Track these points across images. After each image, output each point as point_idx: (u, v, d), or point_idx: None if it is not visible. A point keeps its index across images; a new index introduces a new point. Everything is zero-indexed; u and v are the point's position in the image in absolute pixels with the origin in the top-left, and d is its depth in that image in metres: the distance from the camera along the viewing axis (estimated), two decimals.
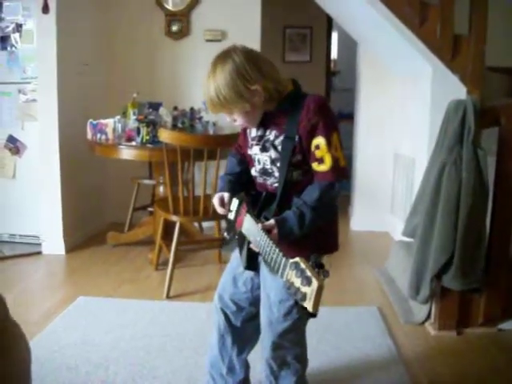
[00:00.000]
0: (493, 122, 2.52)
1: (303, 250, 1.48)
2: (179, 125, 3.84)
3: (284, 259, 1.29)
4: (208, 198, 2.94)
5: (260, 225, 1.47)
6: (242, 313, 1.86)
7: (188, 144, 2.94)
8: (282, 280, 1.30)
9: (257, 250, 1.49)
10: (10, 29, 3.70)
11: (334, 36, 7.39)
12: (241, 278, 1.83)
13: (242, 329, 1.88)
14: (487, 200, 2.47)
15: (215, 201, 1.74)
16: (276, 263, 1.33)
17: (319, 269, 1.21)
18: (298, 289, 1.21)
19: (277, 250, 1.34)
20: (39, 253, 3.83)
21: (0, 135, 3.84)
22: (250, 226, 1.54)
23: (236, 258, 1.84)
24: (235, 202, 1.71)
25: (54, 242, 3.83)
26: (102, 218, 4.54)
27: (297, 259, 1.24)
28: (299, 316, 1.67)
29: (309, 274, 1.19)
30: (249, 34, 4.30)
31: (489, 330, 2.65)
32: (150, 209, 4.22)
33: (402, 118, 4.17)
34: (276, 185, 1.63)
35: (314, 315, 1.21)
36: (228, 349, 1.90)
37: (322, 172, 1.54)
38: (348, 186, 5.12)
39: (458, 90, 2.76)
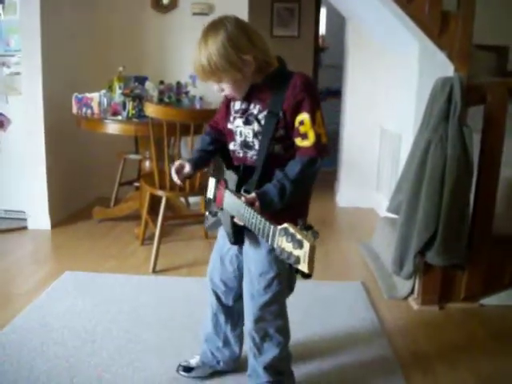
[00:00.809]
0: (479, 99, 2.54)
1: (283, 220, 1.51)
2: (165, 99, 3.81)
3: (272, 227, 1.32)
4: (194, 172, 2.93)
5: (243, 198, 1.49)
6: (231, 292, 1.90)
7: (174, 118, 2.92)
8: (264, 252, 1.39)
9: (241, 223, 1.51)
10: None
11: (323, 11, 7.33)
12: (227, 257, 1.86)
13: (233, 307, 1.93)
14: (471, 177, 2.50)
15: (173, 167, 1.78)
16: (265, 233, 1.35)
17: (308, 230, 1.25)
18: (291, 253, 1.24)
19: (263, 219, 1.37)
20: (25, 228, 3.81)
21: None
22: (231, 202, 1.57)
23: (221, 237, 1.87)
24: (212, 181, 1.74)
25: (39, 217, 3.81)
26: (87, 192, 4.51)
27: (285, 225, 1.27)
28: (279, 288, 1.72)
29: (299, 237, 1.22)
30: (236, 8, 4.23)
31: (470, 305, 2.70)
32: (136, 184, 4.20)
33: (389, 95, 4.17)
34: (255, 157, 1.65)
35: (309, 276, 1.24)
36: (222, 326, 1.96)
37: (304, 147, 1.57)
38: (334, 162, 5.14)
39: (445, 68, 2.76)
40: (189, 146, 3.02)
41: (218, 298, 1.93)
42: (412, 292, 2.77)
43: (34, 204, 3.81)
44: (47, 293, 2.75)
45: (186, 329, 2.40)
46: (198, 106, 3.85)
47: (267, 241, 1.34)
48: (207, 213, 1.85)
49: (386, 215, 3.31)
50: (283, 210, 1.57)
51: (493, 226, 2.62)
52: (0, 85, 3.73)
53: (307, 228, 1.26)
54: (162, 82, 3.92)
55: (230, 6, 4.22)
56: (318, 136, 1.56)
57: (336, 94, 6.47)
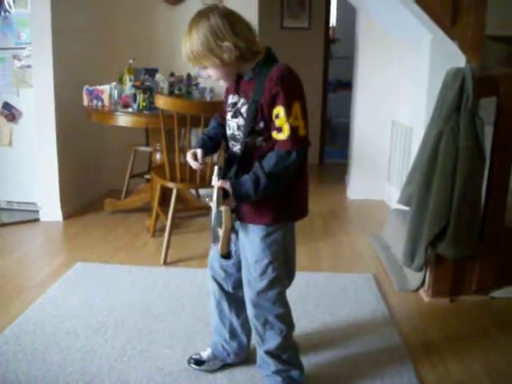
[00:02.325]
0: (491, 90, 2.51)
1: (264, 215, 1.70)
2: (176, 91, 3.81)
3: (218, 209, 1.56)
4: (205, 164, 2.94)
5: (219, 182, 1.61)
6: (231, 279, 1.92)
7: (185, 110, 2.92)
8: (257, 240, 1.58)
9: (214, 208, 1.65)
10: None
11: (333, 3, 7.28)
12: None
13: (234, 294, 1.94)
14: (483, 169, 2.48)
15: (188, 156, 1.80)
16: (218, 216, 1.60)
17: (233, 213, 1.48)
18: (218, 234, 1.50)
19: (218, 202, 1.57)
20: (37, 220, 3.84)
21: None
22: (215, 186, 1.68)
23: None
24: (216, 169, 1.75)
25: (51, 209, 3.84)
26: (98, 185, 4.54)
27: (222, 208, 1.55)
28: (275, 275, 1.76)
29: (222, 218, 1.48)
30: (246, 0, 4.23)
31: (481, 298, 2.69)
32: (146, 176, 4.22)
33: (400, 86, 4.15)
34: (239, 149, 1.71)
35: (223, 257, 1.57)
36: (226, 314, 1.97)
37: (280, 140, 1.61)
38: (345, 154, 5.12)
39: (456, 58, 2.74)
40: None
41: (220, 285, 1.95)
42: (423, 284, 2.76)
43: (46, 196, 3.84)
44: (59, 284, 2.77)
45: (196, 320, 2.41)
46: (208, 98, 3.86)
47: (219, 224, 1.60)
48: (207, 199, 1.90)
49: (396, 207, 3.30)
50: (268, 203, 1.67)
51: (505, 218, 2.61)
52: (11, 78, 3.75)
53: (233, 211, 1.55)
54: (172, 74, 3.92)
55: None
56: (293, 129, 1.58)
57: (347, 85, 6.44)
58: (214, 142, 1.87)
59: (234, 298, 1.95)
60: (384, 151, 4.52)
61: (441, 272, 2.65)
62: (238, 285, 1.90)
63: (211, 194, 1.69)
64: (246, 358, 2.07)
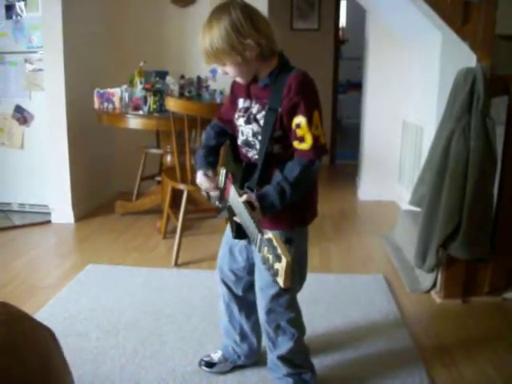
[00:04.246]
0: (502, 90, 2.50)
1: (280, 221, 1.64)
2: (186, 93, 3.82)
3: (260, 236, 1.32)
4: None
5: (244, 197, 1.50)
6: (241, 282, 1.91)
7: (195, 112, 2.93)
8: (260, 255, 1.35)
9: (239, 221, 1.54)
10: None
11: (343, 4, 7.27)
12: (236, 248, 1.87)
13: (244, 297, 1.94)
14: (495, 169, 2.46)
15: (201, 180, 1.76)
16: (254, 238, 1.37)
17: (289, 244, 1.26)
18: (272, 265, 1.26)
19: (254, 224, 1.37)
20: (48, 222, 3.87)
21: (7, 105, 3.84)
22: (234, 198, 1.57)
23: (229, 228, 1.87)
24: (223, 171, 1.73)
25: (63, 211, 3.87)
26: (110, 187, 4.56)
27: (269, 235, 1.28)
28: None
29: (279, 251, 1.23)
30: (256, 1, 4.22)
31: (494, 299, 2.67)
32: (157, 178, 4.24)
33: (410, 87, 4.13)
34: (257, 157, 1.66)
35: (286, 289, 1.27)
36: (236, 316, 1.97)
37: (302, 150, 1.57)
38: (356, 155, 5.11)
39: (467, 58, 2.72)
40: None
41: (229, 288, 1.94)
42: (434, 285, 2.75)
43: (58, 198, 3.87)
44: (70, 286, 2.78)
45: (207, 321, 2.41)
46: (218, 100, 3.86)
47: (255, 247, 1.36)
48: (217, 202, 1.84)
49: (407, 208, 3.28)
50: (285, 210, 1.59)
51: None
52: (23, 81, 3.79)
53: (288, 241, 1.27)
54: (182, 77, 3.93)
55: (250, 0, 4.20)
56: (315, 138, 1.55)
57: (357, 86, 6.43)
58: (214, 155, 1.83)
59: (243, 301, 1.94)
60: (395, 152, 4.51)
61: (453, 273, 2.63)
62: (249, 288, 1.90)
63: (217, 196, 1.66)
64: (256, 359, 2.06)
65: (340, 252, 3.34)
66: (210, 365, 2.04)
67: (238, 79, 1.66)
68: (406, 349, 2.22)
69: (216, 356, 2.06)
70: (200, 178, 1.77)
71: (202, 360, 2.06)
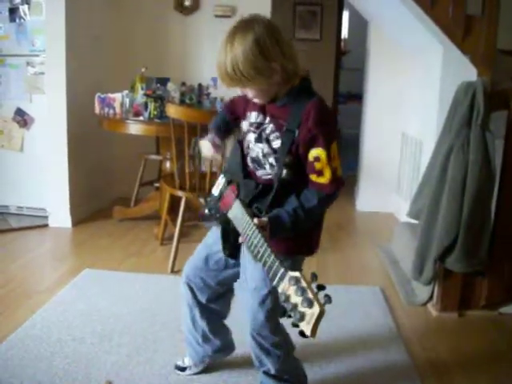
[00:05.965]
0: (502, 105, 2.50)
1: (279, 244, 1.47)
2: (187, 100, 3.83)
3: (282, 270, 1.20)
4: (214, 174, 2.94)
5: (255, 220, 1.40)
6: (208, 291, 1.87)
7: (195, 120, 2.93)
8: (260, 267, 1.26)
9: (246, 244, 1.42)
10: (19, 0, 3.67)
11: (345, 15, 7.31)
12: (214, 258, 1.82)
13: (206, 305, 1.90)
14: (493, 183, 2.47)
15: (207, 143, 1.80)
16: (271, 270, 1.24)
17: (320, 290, 1.15)
18: (296, 306, 1.13)
19: (273, 255, 1.26)
20: (46, 225, 3.86)
21: (8, 108, 3.84)
22: (238, 215, 1.50)
23: (212, 236, 1.82)
24: (222, 180, 1.69)
25: (60, 215, 3.86)
26: (108, 192, 4.56)
27: (297, 274, 1.17)
28: (273, 306, 1.64)
29: (311, 296, 1.12)
30: (259, 10, 4.15)
31: (490, 313, 2.67)
32: (156, 184, 4.23)
33: (410, 100, 4.14)
34: (266, 177, 1.61)
35: (308, 337, 1.13)
36: (198, 321, 1.93)
37: (320, 183, 1.51)
38: (354, 166, 5.11)
39: (468, 72, 2.73)
40: None
41: (193, 293, 1.88)
42: (431, 298, 2.74)
43: (56, 202, 3.86)
44: (66, 290, 2.78)
45: None
46: (218, 108, 3.86)
47: (271, 279, 1.23)
48: (206, 209, 1.76)
49: (405, 220, 3.28)
50: (296, 237, 1.55)
51: None
52: (24, 84, 3.79)
53: (320, 287, 1.15)
54: (183, 84, 3.94)
55: (253, 9, 4.18)
56: (334, 171, 1.50)
57: (357, 97, 6.45)
58: (225, 131, 1.83)
59: (206, 309, 1.91)
60: (393, 164, 4.52)
61: (449, 286, 2.63)
62: (215, 298, 1.88)
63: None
64: (226, 355, 2.06)
65: (337, 263, 3.33)
66: (181, 369, 2.05)
67: (256, 100, 1.56)
68: (401, 362, 2.21)
69: (186, 359, 2.06)
70: (206, 143, 1.79)
71: (175, 365, 2.07)
